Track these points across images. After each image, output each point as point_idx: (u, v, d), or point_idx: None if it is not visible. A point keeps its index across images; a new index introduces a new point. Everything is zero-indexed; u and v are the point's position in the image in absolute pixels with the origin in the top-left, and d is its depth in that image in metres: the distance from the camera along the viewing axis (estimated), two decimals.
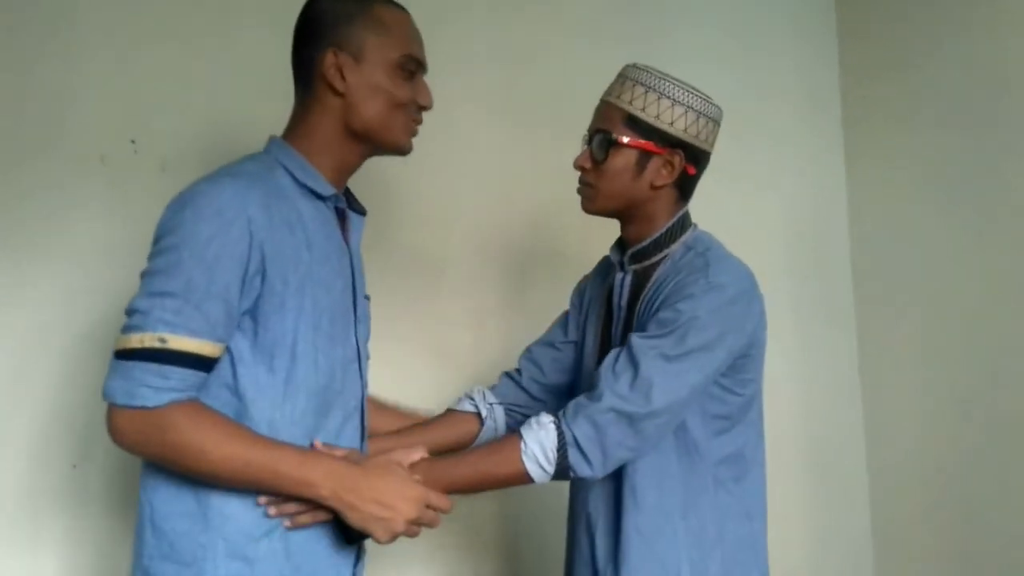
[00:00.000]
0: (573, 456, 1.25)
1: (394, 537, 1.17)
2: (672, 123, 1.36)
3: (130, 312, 1.11)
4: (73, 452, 1.68)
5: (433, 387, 2.01)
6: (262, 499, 1.15)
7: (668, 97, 1.36)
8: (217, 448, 1.09)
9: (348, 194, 1.36)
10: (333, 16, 1.24)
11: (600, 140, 1.38)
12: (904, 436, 2.43)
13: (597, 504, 1.40)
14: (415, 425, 1.55)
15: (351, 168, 1.31)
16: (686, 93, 1.37)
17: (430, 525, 1.21)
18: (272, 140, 1.29)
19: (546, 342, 1.65)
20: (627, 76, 1.41)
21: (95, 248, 1.71)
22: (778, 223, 2.49)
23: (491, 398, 1.61)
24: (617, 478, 1.37)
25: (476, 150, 2.11)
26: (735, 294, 1.32)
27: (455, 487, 1.27)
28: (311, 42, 1.25)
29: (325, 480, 1.13)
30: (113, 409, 1.09)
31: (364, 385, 1.33)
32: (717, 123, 1.41)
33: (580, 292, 1.65)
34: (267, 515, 1.16)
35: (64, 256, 1.68)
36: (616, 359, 1.30)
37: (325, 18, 1.25)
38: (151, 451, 1.11)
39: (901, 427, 2.44)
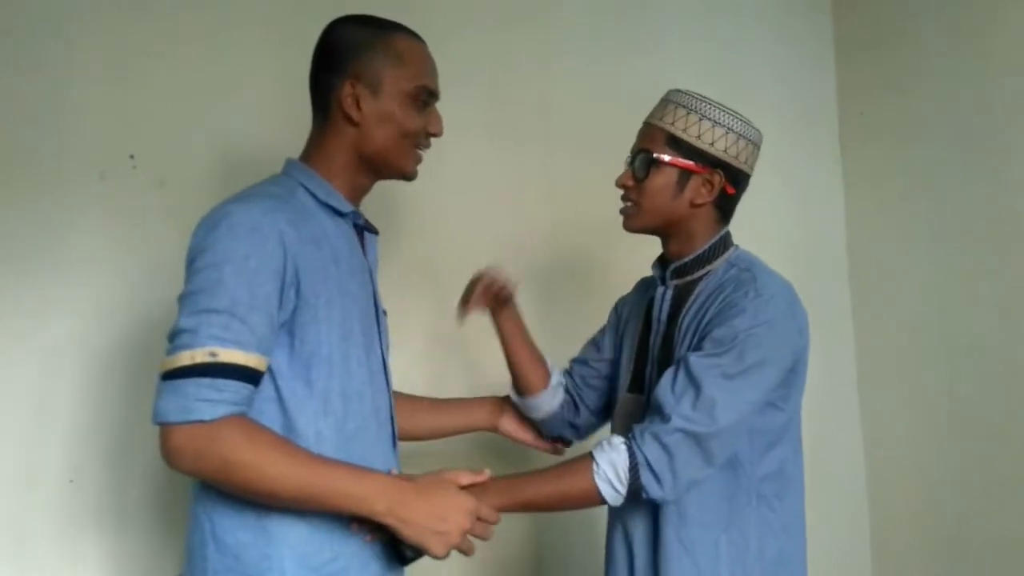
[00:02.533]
0: (645, 477, 1.26)
1: (449, 551, 1.19)
2: (712, 143, 1.39)
3: (176, 333, 1.11)
4: (70, 466, 1.67)
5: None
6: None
7: (709, 119, 1.40)
8: (274, 465, 1.10)
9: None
10: (353, 45, 1.28)
11: (642, 159, 1.42)
12: (902, 449, 2.43)
13: (635, 514, 1.40)
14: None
15: (364, 189, 1.37)
16: (727, 115, 1.41)
17: (481, 537, 1.23)
18: (289, 162, 1.33)
19: (580, 360, 1.68)
20: (669, 99, 1.45)
21: (94, 263, 1.71)
22: (775, 240, 2.47)
23: (561, 378, 1.66)
24: None
25: (474, 167, 2.12)
26: (785, 307, 1.35)
27: (528, 505, 1.31)
28: (330, 69, 1.29)
29: (381, 496, 1.15)
30: (167, 429, 1.08)
31: (391, 395, 1.37)
32: (757, 146, 1.45)
33: (617, 310, 1.68)
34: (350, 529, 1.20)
35: (63, 271, 1.68)
36: (674, 380, 1.31)
37: (345, 47, 1.29)
38: (208, 468, 1.10)
39: (899, 440, 2.44)
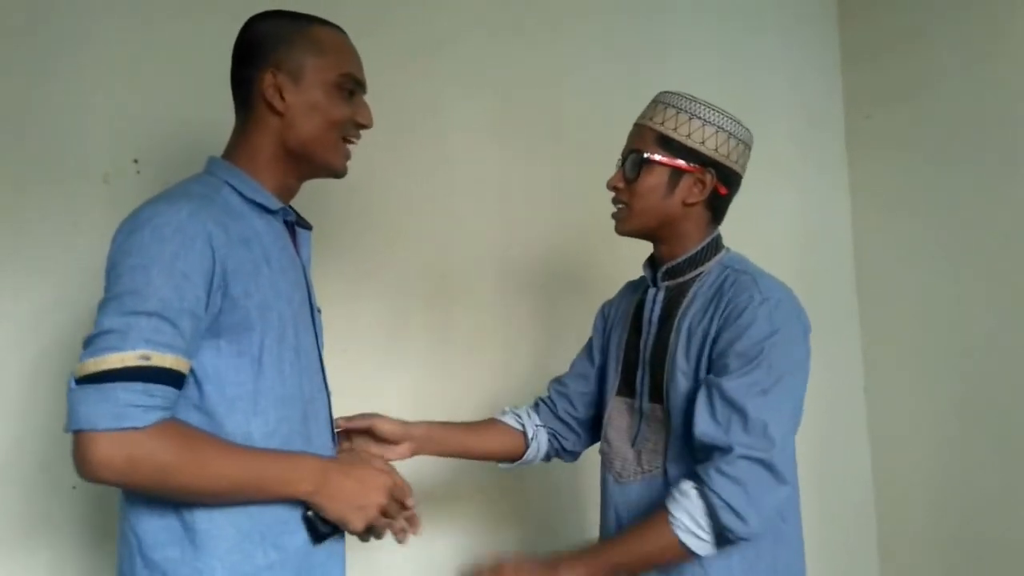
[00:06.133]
0: (726, 518, 1.21)
1: (367, 525, 1.20)
2: (703, 142, 1.37)
3: (100, 334, 1.05)
4: (74, 473, 1.66)
5: (440, 405, 2.01)
6: None
7: (699, 118, 1.38)
8: (209, 464, 1.08)
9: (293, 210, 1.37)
10: (272, 38, 1.25)
11: (633, 159, 1.40)
12: (909, 453, 2.43)
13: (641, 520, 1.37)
14: (463, 424, 1.57)
15: (292, 187, 1.32)
16: (717, 115, 1.39)
17: (392, 517, 1.24)
18: (212, 161, 1.29)
19: (577, 374, 1.64)
20: (660, 100, 1.43)
21: (98, 267, 1.70)
22: (782, 245, 2.49)
23: (536, 420, 1.62)
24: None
25: (478, 170, 2.11)
26: (792, 311, 1.33)
27: (619, 568, 1.27)
28: (250, 63, 1.26)
29: (307, 476, 1.16)
30: (90, 436, 1.01)
31: (329, 394, 1.33)
32: (748, 146, 1.43)
33: (603, 315, 1.65)
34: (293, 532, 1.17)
35: (67, 275, 1.68)
36: (712, 409, 1.27)
37: (264, 40, 1.26)
38: (141, 476, 1.04)
39: (906, 445, 2.44)
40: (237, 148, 1.28)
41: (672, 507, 1.25)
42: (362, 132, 1.33)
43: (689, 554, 1.24)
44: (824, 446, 2.45)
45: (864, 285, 2.60)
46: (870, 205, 2.60)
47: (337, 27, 1.30)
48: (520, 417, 1.61)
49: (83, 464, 1.02)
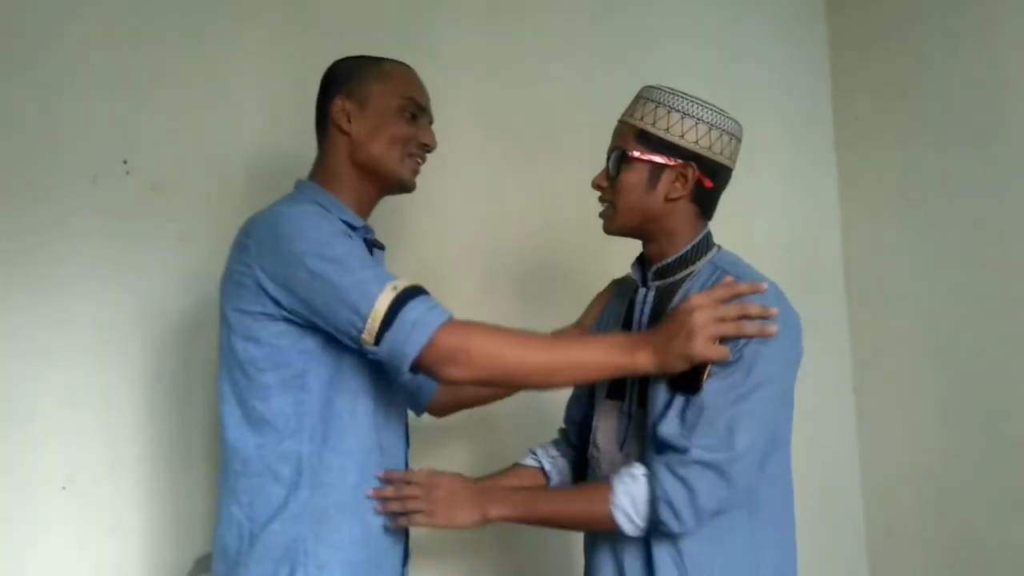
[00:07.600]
0: (664, 513, 1.24)
1: (714, 341, 1.23)
2: (683, 135, 1.35)
3: (352, 313, 1.17)
4: (62, 473, 1.66)
5: None
6: (370, 492, 1.29)
7: (677, 111, 1.36)
8: (524, 339, 1.25)
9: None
10: (345, 73, 1.42)
11: (614, 157, 1.40)
12: (898, 452, 2.43)
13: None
14: (490, 476, 1.57)
15: (369, 203, 1.45)
16: (698, 107, 1.37)
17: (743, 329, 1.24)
18: (301, 182, 1.42)
19: (574, 396, 1.65)
20: (641, 96, 1.42)
21: (86, 266, 1.71)
22: (771, 245, 2.48)
23: (553, 451, 1.62)
24: None
25: (471, 171, 2.11)
26: (787, 317, 1.31)
27: (543, 520, 1.34)
28: (326, 95, 1.42)
29: (644, 346, 1.25)
30: (428, 348, 1.16)
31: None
32: (734, 136, 1.40)
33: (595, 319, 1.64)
34: (375, 512, 1.29)
35: (55, 276, 1.68)
36: (684, 408, 1.27)
37: (339, 75, 1.42)
38: (483, 354, 1.20)
39: (896, 448, 2.44)
40: (319, 171, 1.42)
41: (617, 485, 1.27)
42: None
43: (615, 529, 1.28)
44: (813, 446, 2.44)
45: (853, 283, 2.60)
46: (859, 201, 2.59)
47: (405, 64, 1.45)
48: (536, 454, 1.61)
49: (445, 371, 1.19)
